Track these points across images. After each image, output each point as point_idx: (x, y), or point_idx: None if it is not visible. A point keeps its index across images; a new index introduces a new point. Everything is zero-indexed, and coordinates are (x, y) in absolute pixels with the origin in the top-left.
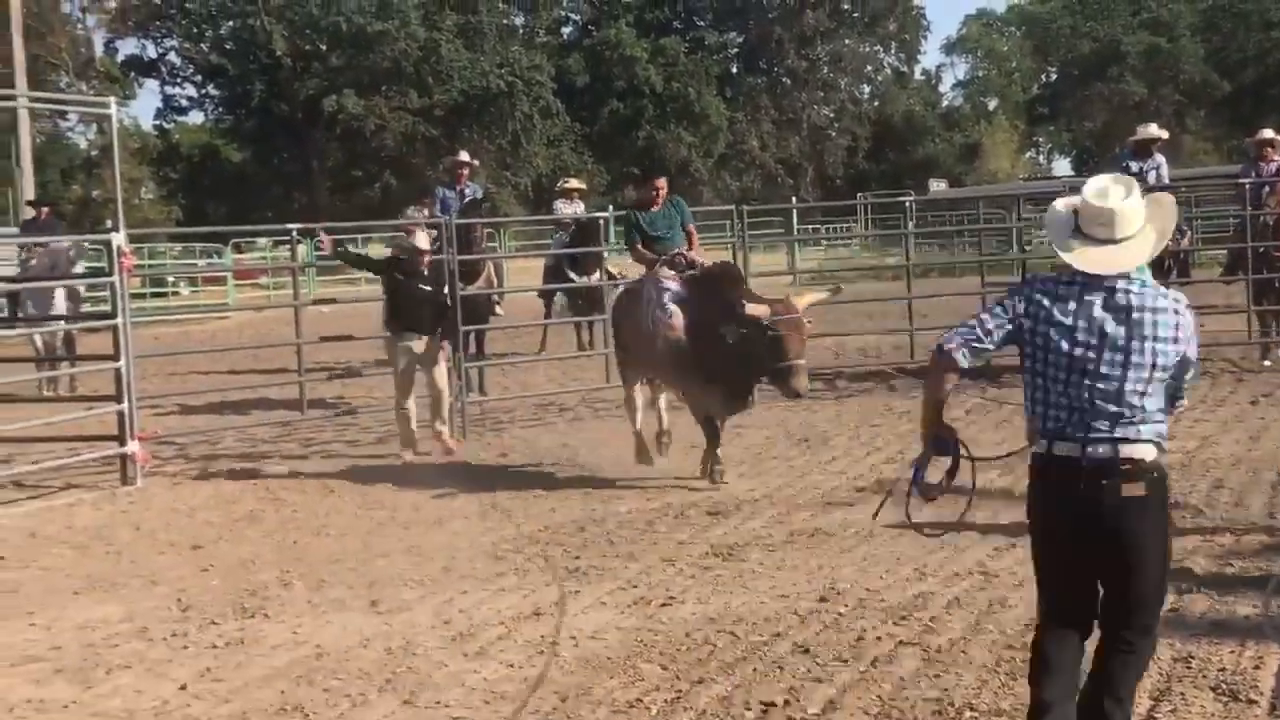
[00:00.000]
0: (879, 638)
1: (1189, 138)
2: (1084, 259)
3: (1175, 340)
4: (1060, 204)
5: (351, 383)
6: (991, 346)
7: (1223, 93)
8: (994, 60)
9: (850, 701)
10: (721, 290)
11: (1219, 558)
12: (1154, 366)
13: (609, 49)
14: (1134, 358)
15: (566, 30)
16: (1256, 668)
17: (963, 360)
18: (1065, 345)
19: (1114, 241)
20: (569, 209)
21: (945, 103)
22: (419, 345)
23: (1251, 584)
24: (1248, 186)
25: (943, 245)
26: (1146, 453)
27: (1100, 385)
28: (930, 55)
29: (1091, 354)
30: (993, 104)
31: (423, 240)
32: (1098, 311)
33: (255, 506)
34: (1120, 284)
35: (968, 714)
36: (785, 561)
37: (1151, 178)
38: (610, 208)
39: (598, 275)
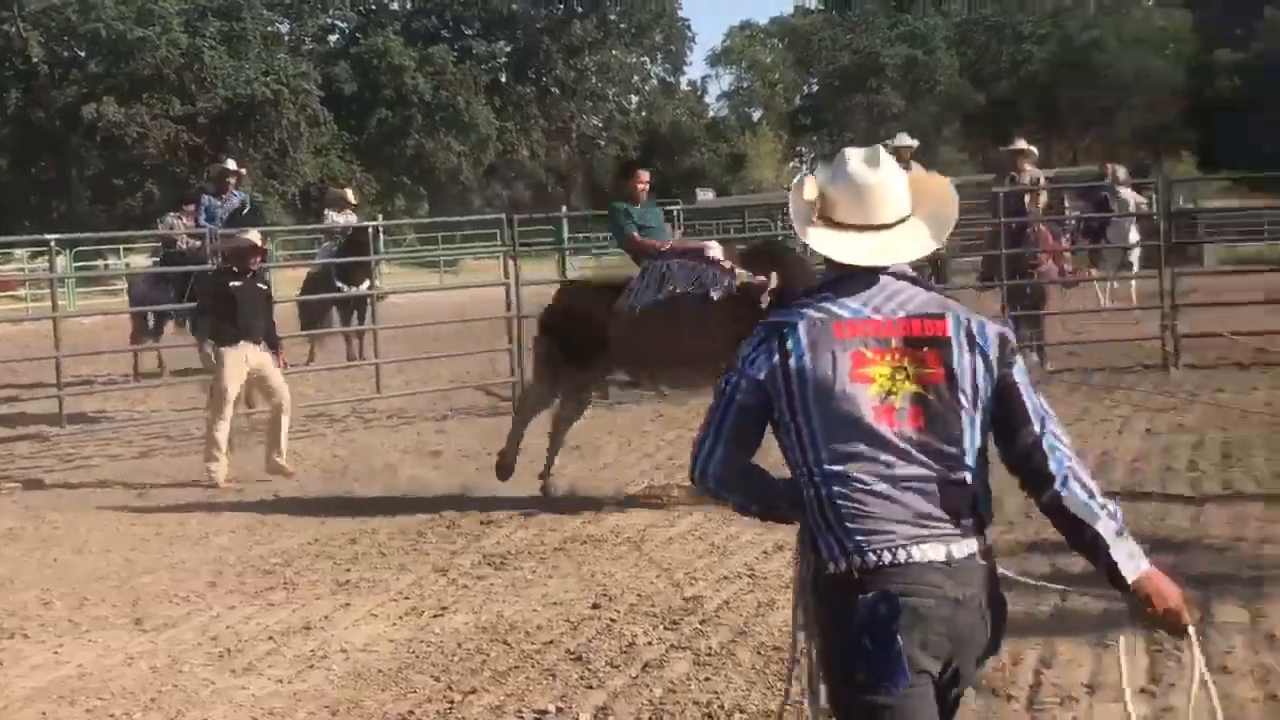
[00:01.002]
0: (650, 642)
1: (946, 148)
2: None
3: None
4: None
5: (114, 395)
6: None
7: (978, 104)
8: (758, 72)
9: (621, 707)
10: (788, 262)
11: None
12: None
13: (376, 57)
14: None
15: (333, 38)
16: (1015, 664)
17: None
18: None
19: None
20: (340, 218)
21: (711, 113)
22: (255, 355)
23: (1006, 584)
24: (1002, 195)
25: None
26: None
27: None
28: (696, 66)
29: None
30: (757, 115)
31: (256, 236)
32: None
33: (14, 524)
34: None
35: (737, 715)
36: (558, 569)
37: None
38: (380, 217)
39: (366, 285)
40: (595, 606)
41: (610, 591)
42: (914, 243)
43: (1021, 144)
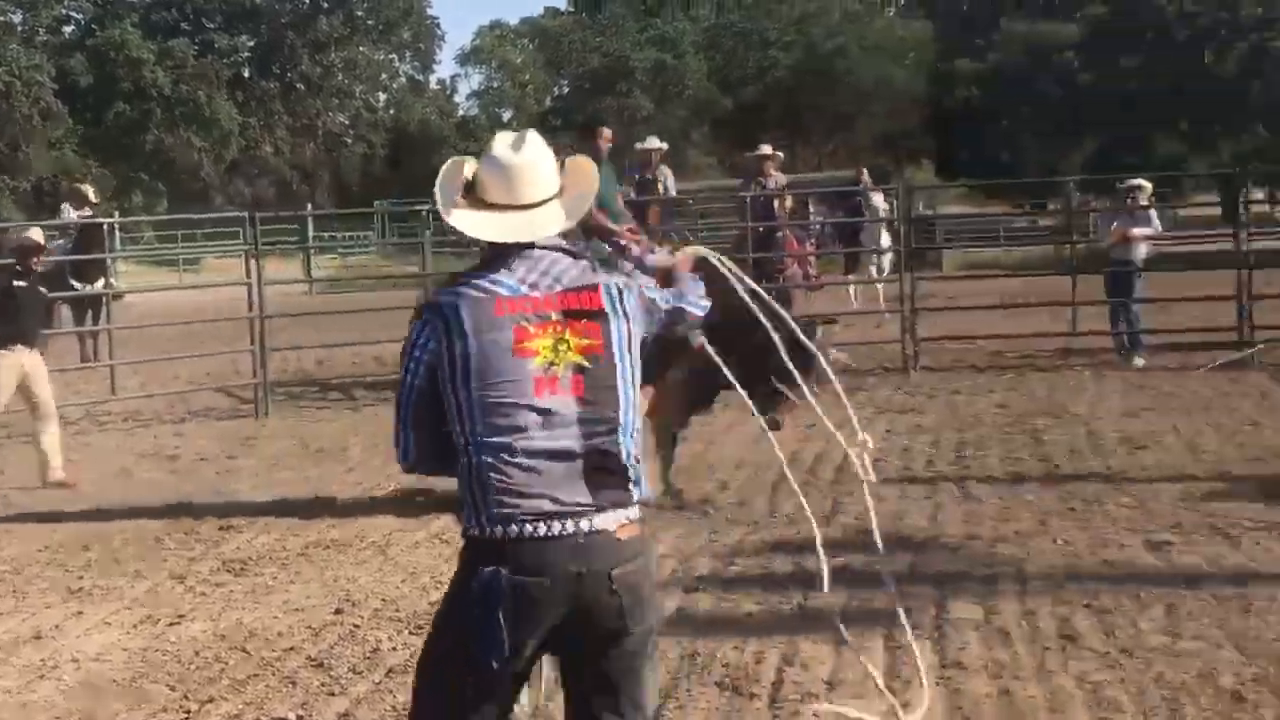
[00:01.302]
0: (394, 648)
1: (694, 152)
2: None
3: None
4: None
5: None
6: None
7: (725, 109)
8: (508, 72)
9: (364, 714)
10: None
11: (722, 557)
12: None
13: (114, 49)
14: None
15: (68, 29)
16: (758, 662)
17: None
18: None
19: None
20: (77, 214)
21: (461, 112)
22: (29, 359)
23: (753, 582)
24: (748, 200)
25: (459, 254)
26: None
27: None
28: (445, 65)
29: None
30: (507, 115)
31: (39, 234)
32: None
33: None
34: None
35: None
36: (300, 574)
37: (660, 189)
38: (117, 213)
39: (100, 283)
40: (338, 612)
41: (354, 597)
42: (552, 219)
43: (767, 149)
